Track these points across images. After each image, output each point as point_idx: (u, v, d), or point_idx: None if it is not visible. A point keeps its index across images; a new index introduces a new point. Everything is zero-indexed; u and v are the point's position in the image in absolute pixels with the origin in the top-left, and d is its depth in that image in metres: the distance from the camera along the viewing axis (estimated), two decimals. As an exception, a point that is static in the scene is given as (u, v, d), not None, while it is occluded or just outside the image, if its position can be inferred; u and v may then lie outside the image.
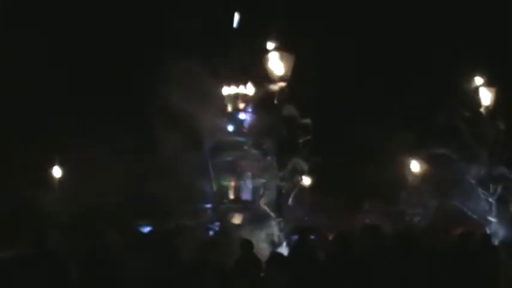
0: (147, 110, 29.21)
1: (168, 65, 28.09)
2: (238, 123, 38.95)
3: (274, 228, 14.76)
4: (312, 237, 8.85)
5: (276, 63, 14.08)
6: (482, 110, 17.39)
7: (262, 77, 15.19)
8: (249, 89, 34.63)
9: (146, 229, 22.16)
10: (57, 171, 27.80)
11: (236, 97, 39.73)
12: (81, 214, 24.71)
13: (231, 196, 38.59)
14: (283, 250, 13.24)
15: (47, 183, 27.48)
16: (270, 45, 15.62)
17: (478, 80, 17.32)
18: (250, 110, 36.83)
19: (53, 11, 30.02)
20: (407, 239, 7.92)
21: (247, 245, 8.16)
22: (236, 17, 39.11)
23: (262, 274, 8.38)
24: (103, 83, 31.30)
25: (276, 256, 8.75)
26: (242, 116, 39.40)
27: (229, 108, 40.36)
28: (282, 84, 14.15)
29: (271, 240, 14.35)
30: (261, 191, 16.50)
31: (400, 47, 30.18)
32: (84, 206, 25.43)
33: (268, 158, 15.69)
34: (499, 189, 17.18)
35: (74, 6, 30.71)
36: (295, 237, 9.01)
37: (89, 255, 8.30)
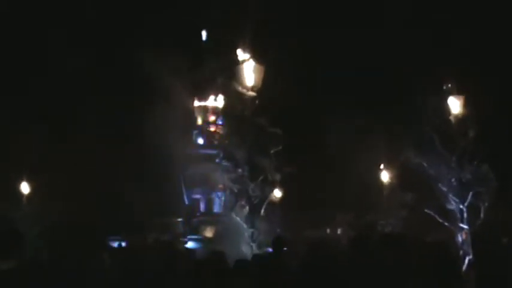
0: (117, 124, 29.08)
1: (136, 79, 27.92)
2: (209, 136, 38.88)
3: (247, 239, 14.63)
4: (285, 248, 8.73)
5: (247, 74, 14.01)
6: (451, 117, 17.53)
7: (232, 89, 15.10)
8: (219, 101, 34.57)
9: (116, 244, 21.89)
10: (25, 187, 27.42)
11: (206, 110, 39.66)
12: (51, 229, 24.43)
13: (203, 209, 38.43)
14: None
15: (15, 198, 27.10)
16: (242, 55, 15.60)
17: (447, 88, 17.48)
18: (220, 122, 36.78)
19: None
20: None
21: (221, 255, 8.03)
22: (204, 31, 39.17)
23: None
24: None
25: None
26: (213, 128, 39.33)
27: (200, 121, 40.29)
28: (253, 94, 14.08)
29: (244, 252, 14.21)
30: (233, 203, 16.34)
31: (370, 57, 30.44)
32: (54, 221, 25.14)
33: (239, 169, 15.56)
34: (469, 196, 17.29)
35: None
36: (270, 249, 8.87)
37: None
